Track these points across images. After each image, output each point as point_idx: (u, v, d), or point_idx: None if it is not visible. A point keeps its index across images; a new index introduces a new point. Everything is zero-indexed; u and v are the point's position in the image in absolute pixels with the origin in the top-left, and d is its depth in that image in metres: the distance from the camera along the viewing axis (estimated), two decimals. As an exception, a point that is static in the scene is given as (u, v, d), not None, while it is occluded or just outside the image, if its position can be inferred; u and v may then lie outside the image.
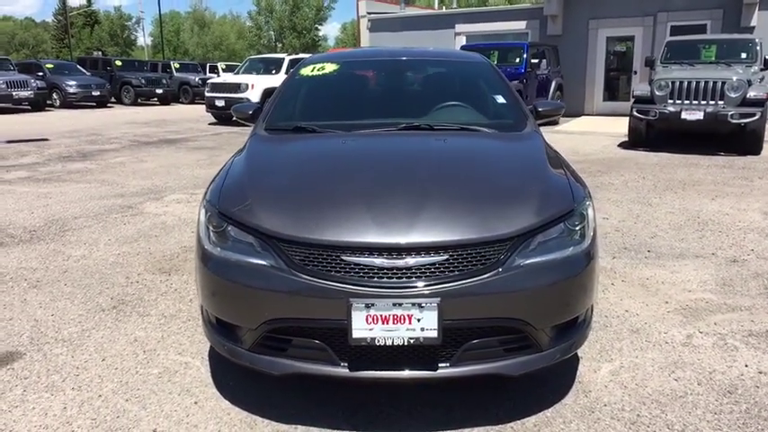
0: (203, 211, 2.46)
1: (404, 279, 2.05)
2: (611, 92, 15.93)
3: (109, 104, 21.46)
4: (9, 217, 5.59)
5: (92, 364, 2.81)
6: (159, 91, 22.38)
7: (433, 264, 2.07)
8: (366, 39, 18.21)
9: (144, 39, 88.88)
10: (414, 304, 2.01)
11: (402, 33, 17.39)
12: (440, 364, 2.13)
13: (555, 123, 13.37)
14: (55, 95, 19.87)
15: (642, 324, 3.23)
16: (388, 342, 2.04)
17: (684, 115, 9.26)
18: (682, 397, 2.51)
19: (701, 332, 3.13)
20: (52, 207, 5.98)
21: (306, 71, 3.77)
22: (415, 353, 2.12)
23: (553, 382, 2.60)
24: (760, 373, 2.70)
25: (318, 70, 3.75)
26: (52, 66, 20.97)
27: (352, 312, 2.01)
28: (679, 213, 5.62)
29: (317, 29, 68.88)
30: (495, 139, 3.05)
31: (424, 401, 2.44)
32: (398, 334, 2.03)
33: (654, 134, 10.05)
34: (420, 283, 2.04)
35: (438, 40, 16.49)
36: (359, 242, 2.08)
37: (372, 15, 18.07)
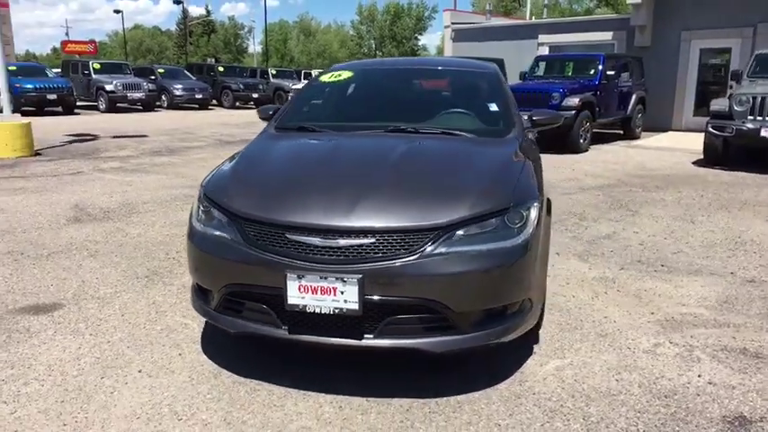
0: (197, 193, 2.91)
1: (333, 257, 2.37)
2: (704, 106, 15.07)
3: (210, 107, 23.24)
4: (93, 199, 6.46)
5: (112, 317, 3.35)
6: (255, 95, 23.87)
7: (361, 245, 2.37)
8: (449, 49, 18.48)
9: (254, 46, 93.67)
10: (337, 278, 2.32)
11: (484, 44, 17.48)
12: (365, 335, 2.42)
13: (634, 137, 12.96)
14: (164, 97, 21.84)
15: (614, 330, 3.31)
16: (317, 310, 2.37)
17: (764, 133, 8.73)
18: (614, 395, 2.62)
19: (671, 342, 3.16)
20: (129, 193, 6.81)
21: (325, 78, 4.18)
22: (345, 323, 2.42)
23: (495, 370, 2.80)
24: (709, 383, 2.74)
25: (335, 77, 4.14)
26: (163, 71, 23.07)
27: (287, 282, 2.36)
28: (720, 232, 5.45)
29: (416, 38, 69.78)
30: (468, 143, 3.27)
31: (368, 374, 2.74)
32: (325, 303, 2.35)
33: (733, 152, 9.53)
34: (346, 261, 2.36)
35: (520, 50, 16.43)
36: (300, 223, 2.43)
37: (456, 26, 18.32)
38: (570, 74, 12.42)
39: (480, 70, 4.13)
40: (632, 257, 4.66)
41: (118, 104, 19.73)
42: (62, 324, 3.26)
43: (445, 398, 2.56)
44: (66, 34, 76.43)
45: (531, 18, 27.59)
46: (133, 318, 3.35)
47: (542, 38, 16.81)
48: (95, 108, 20.08)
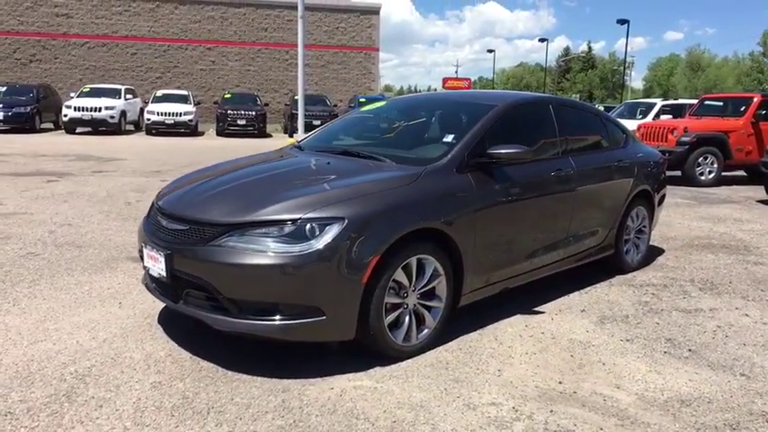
0: None
1: (166, 235, 3.19)
2: None
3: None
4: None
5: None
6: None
7: (180, 230, 3.12)
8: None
9: (630, 81, 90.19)
10: (158, 251, 3.13)
11: None
12: (180, 301, 3.13)
13: None
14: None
15: (480, 381, 3.07)
16: (154, 273, 3.21)
17: None
18: (338, 418, 2.65)
19: (515, 409, 2.82)
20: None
21: (365, 107, 4.81)
22: (170, 288, 3.18)
23: (312, 370, 3.09)
24: (467, 447, 2.47)
25: (371, 107, 4.73)
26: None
27: (144, 249, 3.28)
28: None
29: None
30: (366, 166, 3.53)
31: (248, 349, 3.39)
32: (155, 269, 3.19)
33: None
34: (169, 240, 3.14)
35: None
36: (162, 207, 3.34)
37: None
38: None
39: (483, 103, 4.08)
40: (669, 336, 3.79)
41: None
42: (134, 269, 4.79)
43: (232, 372, 3.04)
44: (456, 72, 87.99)
45: None
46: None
47: None
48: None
